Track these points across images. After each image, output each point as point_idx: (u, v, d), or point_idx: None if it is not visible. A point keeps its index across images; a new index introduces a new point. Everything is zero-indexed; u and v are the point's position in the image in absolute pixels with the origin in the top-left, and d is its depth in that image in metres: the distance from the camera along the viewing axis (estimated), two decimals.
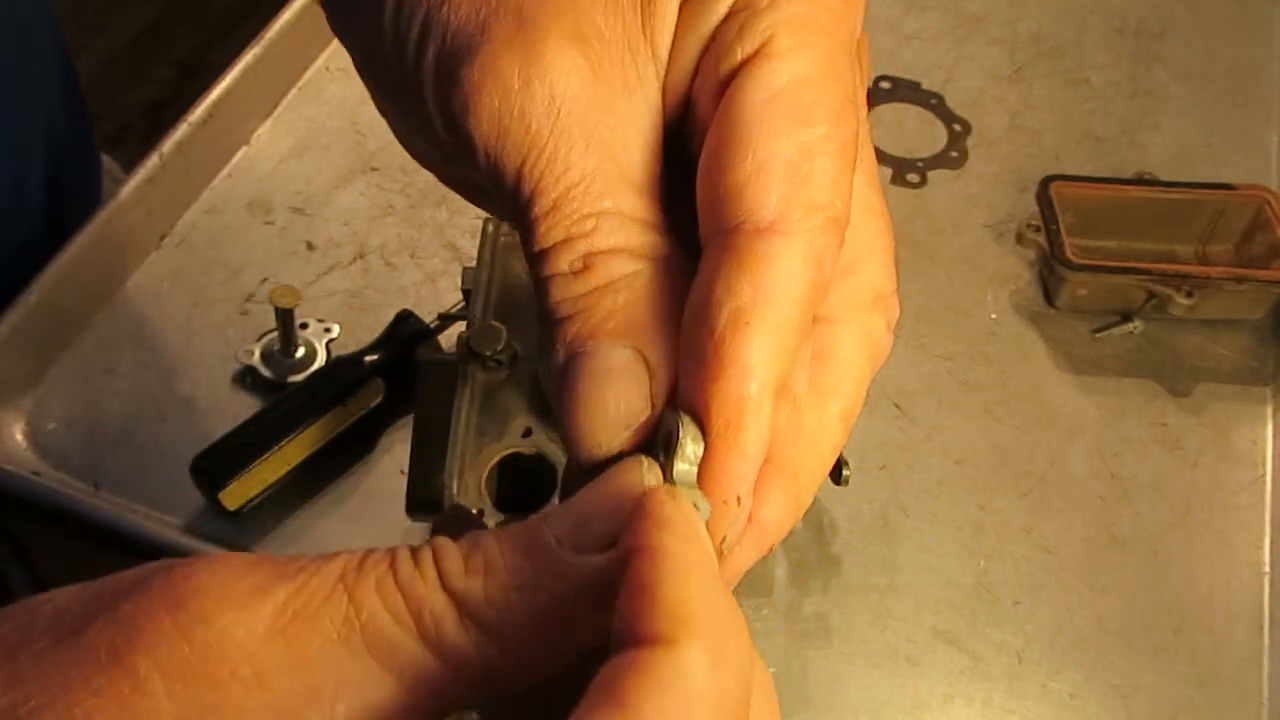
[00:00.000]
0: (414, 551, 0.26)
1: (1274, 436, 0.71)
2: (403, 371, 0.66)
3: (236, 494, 0.62)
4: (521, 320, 0.54)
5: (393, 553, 0.26)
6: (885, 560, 0.64)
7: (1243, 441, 0.71)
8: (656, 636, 0.23)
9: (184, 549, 0.61)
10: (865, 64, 0.33)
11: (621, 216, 0.29)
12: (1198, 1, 0.98)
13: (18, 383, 0.68)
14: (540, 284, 0.30)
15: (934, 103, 0.88)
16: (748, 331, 0.27)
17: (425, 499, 0.55)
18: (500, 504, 0.52)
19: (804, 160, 0.28)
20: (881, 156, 0.84)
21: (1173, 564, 0.66)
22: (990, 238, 0.80)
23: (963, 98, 0.89)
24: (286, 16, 0.83)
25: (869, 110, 0.42)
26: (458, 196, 0.39)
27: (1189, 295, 0.72)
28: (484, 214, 0.48)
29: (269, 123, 0.83)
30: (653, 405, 0.29)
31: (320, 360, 0.69)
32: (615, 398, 0.29)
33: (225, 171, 0.80)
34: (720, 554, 0.29)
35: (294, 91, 0.85)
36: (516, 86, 0.29)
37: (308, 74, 0.86)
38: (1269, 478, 0.69)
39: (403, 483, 0.56)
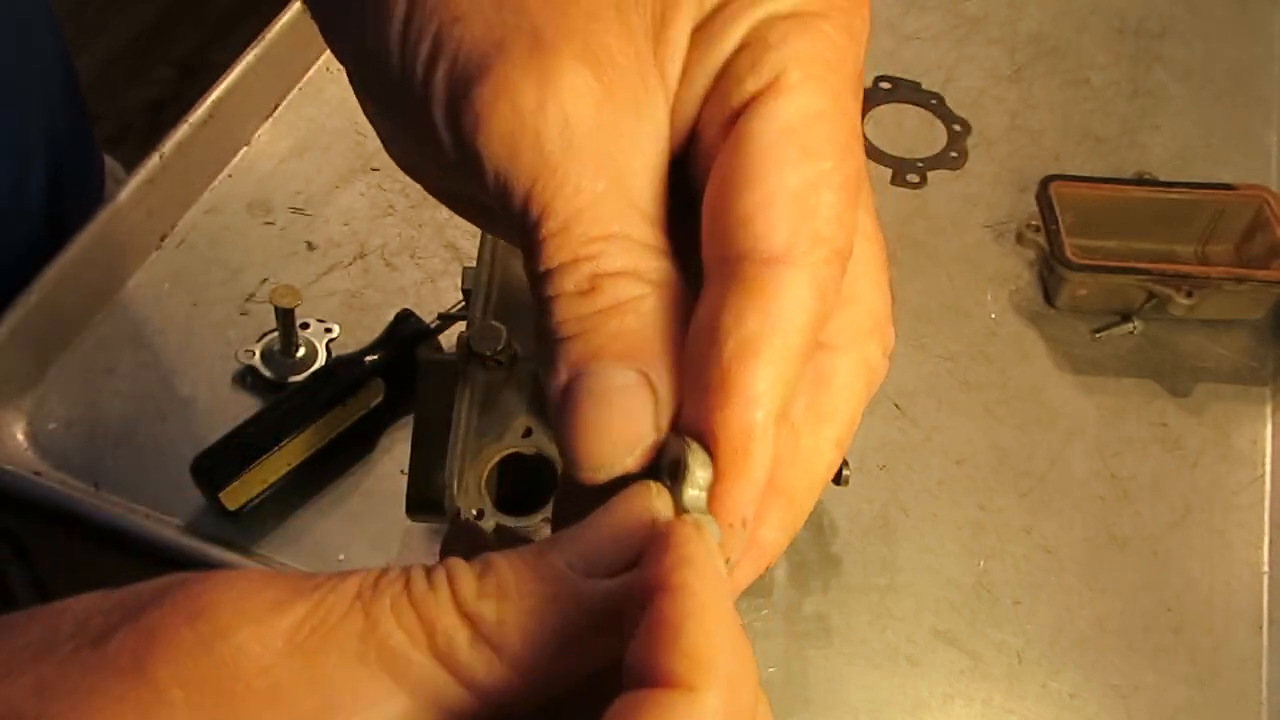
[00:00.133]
0: (428, 572, 0.27)
1: (1274, 436, 0.71)
2: (403, 371, 0.66)
3: (237, 494, 0.62)
4: (521, 320, 0.54)
5: (407, 572, 0.27)
6: (885, 560, 0.65)
7: (1242, 441, 0.71)
8: (677, 680, 0.24)
9: (184, 549, 0.61)
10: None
11: (629, 240, 0.29)
12: (1198, 1, 0.98)
13: (18, 383, 0.68)
14: (544, 303, 0.30)
15: (934, 103, 0.88)
16: (755, 360, 0.28)
17: (425, 499, 0.55)
18: (500, 504, 0.52)
19: (810, 194, 0.28)
20: (881, 156, 0.84)
21: (1172, 564, 0.66)
22: (990, 238, 0.80)
23: (963, 98, 0.88)
24: (287, 16, 0.83)
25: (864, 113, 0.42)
26: None
27: (1189, 295, 0.72)
28: None
29: (269, 123, 0.84)
30: (657, 429, 0.29)
31: (320, 360, 0.69)
32: (621, 420, 0.29)
33: (225, 172, 0.80)
34: None
35: (294, 92, 0.85)
36: (531, 107, 0.28)
37: (308, 74, 0.86)
38: (1269, 478, 0.69)
39: (403, 483, 0.56)
